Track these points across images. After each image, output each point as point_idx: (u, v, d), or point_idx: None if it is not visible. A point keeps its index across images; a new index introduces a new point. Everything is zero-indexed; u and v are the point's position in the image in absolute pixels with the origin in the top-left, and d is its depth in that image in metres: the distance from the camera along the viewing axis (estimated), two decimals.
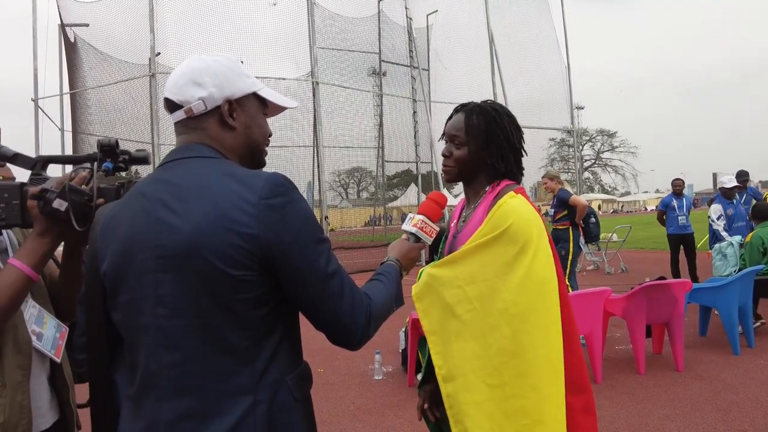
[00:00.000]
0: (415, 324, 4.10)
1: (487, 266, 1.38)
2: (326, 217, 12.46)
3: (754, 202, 7.78)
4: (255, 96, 1.11)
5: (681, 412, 3.50)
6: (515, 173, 1.56)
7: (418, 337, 4.17)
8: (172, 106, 1.07)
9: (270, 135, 1.17)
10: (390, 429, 3.46)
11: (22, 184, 1.18)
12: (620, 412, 3.53)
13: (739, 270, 5.38)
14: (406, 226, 1.43)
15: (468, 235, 1.47)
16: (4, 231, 1.29)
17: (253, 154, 1.13)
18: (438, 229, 1.44)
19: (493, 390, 1.34)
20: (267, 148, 1.17)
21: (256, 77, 1.13)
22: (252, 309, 0.95)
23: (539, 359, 1.34)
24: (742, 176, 7.70)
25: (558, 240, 5.58)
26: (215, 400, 0.94)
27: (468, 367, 1.36)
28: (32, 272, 1.18)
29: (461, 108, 1.58)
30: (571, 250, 5.58)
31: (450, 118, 1.59)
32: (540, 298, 1.36)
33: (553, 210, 5.77)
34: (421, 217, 1.42)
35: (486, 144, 1.51)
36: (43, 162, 1.21)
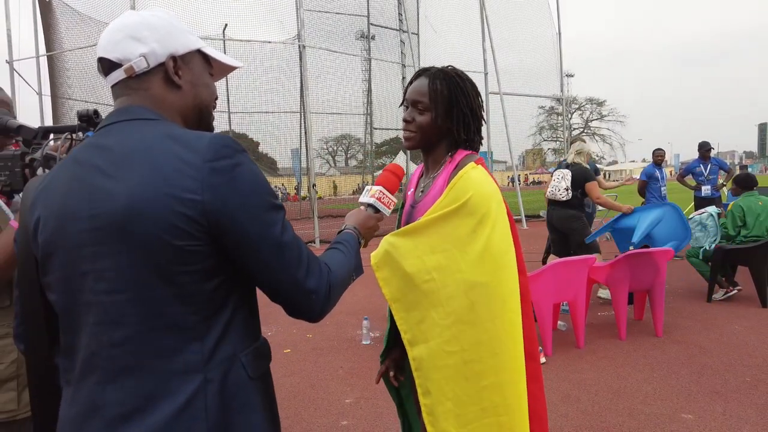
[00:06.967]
0: None
1: (446, 237, 1.38)
2: (314, 185, 12.39)
3: (721, 172, 7.94)
4: (200, 54, 1.04)
5: (658, 374, 3.63)
6: (475, 142, 1.55)
7: None
8: (108, 66, 0.97)
9: (217, 98, 1.10)
10: (377, 391, 3.55)
11: (23, 153, 1.28)
12: (601, 376, 3.65)
13: (721, 239, 5.50)
14: (364, 198, 1.40)
15: (428, 205, 1.46)
16: (17, 195, 1.41)
17: (202, 115, 1.06)
18: (395, 201, 1.42)
19: (452, 356, 1.36)
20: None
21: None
22: (199, 282, 0.88)
23: (497, 328, 1.36)
24: (704, 147, 7.86)
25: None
26: (161, 379, 0.87)
27: (429, 333, 1.38)
28: None
29: (423, 72, 1.53)
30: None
31: (411, 82, 1.54)
32: (498, 270, 1.37)
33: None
34: (378, 188, 1.41)
35: (449, 111, 1.49)
36: (44, 132, 1.29)
